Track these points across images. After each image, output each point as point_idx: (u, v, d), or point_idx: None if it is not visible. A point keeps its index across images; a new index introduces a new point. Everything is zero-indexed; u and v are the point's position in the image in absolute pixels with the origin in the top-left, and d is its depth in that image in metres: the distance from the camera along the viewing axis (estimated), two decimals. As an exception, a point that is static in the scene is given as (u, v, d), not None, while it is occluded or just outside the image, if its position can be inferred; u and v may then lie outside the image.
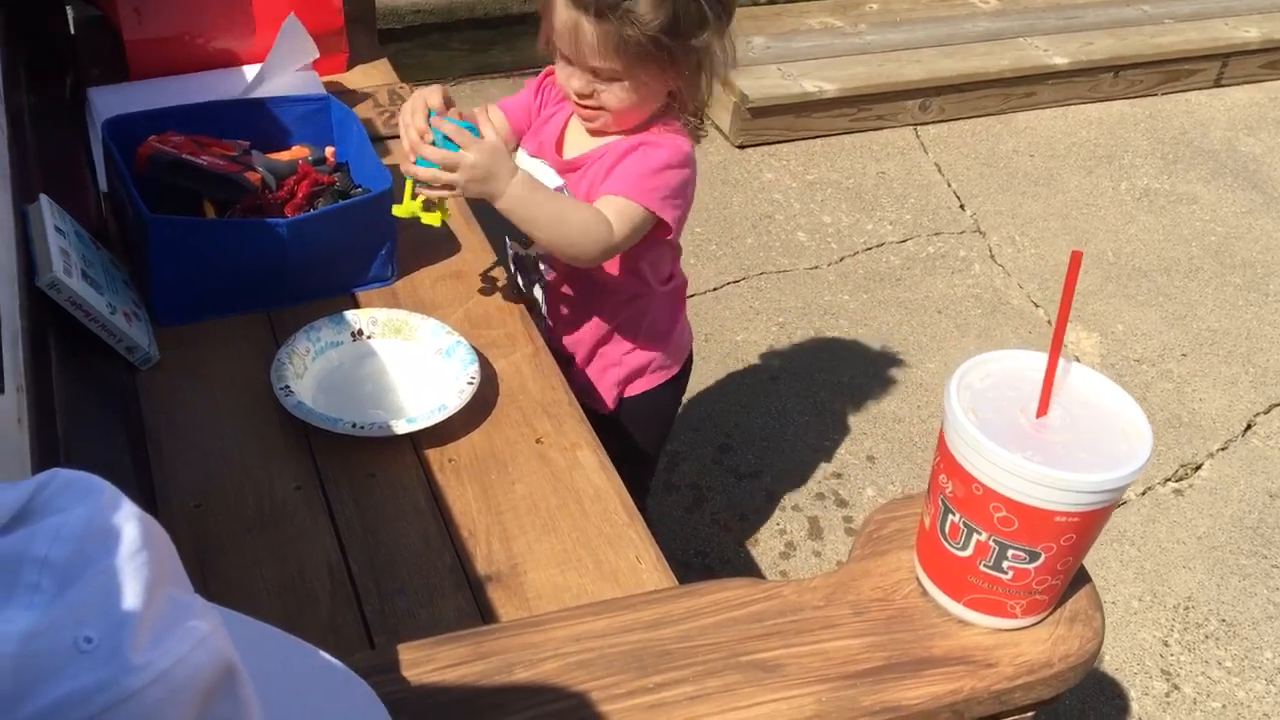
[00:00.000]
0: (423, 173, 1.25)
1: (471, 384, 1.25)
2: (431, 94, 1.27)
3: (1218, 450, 2.46)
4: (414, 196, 1.29)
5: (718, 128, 3.38)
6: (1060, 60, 3.64)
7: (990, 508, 0.78)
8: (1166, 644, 2.04)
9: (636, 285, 1.47)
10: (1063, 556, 0.80)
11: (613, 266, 1.42)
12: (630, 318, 1.49)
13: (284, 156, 1.49)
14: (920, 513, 0.88)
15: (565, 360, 1.48)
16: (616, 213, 1.30)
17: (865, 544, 0.92)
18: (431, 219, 1.30)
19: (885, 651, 0.83)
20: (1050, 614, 0.86)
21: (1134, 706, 1.93)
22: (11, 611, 0.43)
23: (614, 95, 1.31)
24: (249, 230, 1.34)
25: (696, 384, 2.40)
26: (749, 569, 2.11)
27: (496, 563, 1.09)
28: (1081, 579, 0.88)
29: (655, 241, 1.39)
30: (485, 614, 1.04)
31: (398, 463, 1.19)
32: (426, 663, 0.81)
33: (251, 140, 1.49)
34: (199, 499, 1.13)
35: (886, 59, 3.58)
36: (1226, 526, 2.28)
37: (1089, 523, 0.78)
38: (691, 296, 1.52)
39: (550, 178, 1.40)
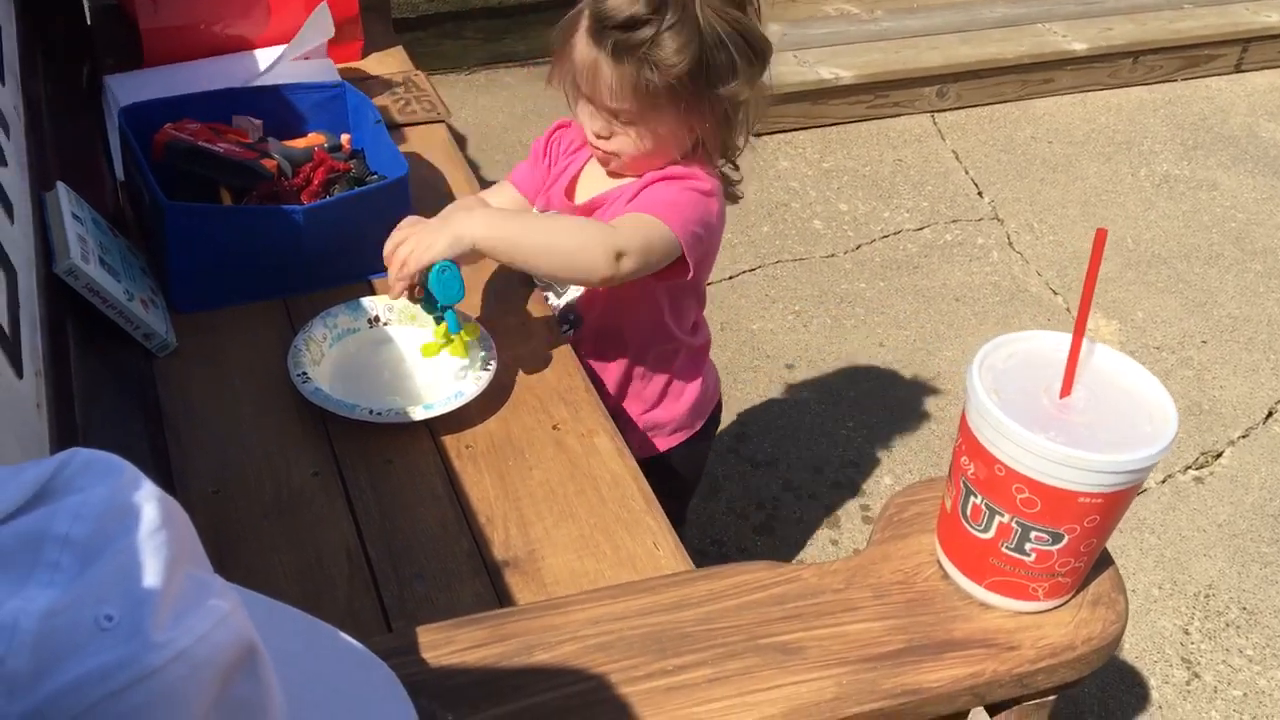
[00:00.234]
0: (390, 275, 1.17)
1: (488, 371, 1.24)
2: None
3: (1238, 438, 2.44)
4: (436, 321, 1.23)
5: (733, 115, 3.37)
6: (1079, 46, 3.62)
7: (1013, 489, 0.77)
8: (1187, 632, 2.03)
9: (663, 336, 1.41)
10: (1086, 538, 0.79)
11: (636, 311, 1.37)
12: (652, 371, 1.43)
13: (300, 143, 1.49)
14: (941, 496, 0.88)
15: None
16: (625, 221, 1.23)
17: (885, 527, 0.92)
18: (457, 350, 1.23)
19: (906, 634, 0.83)
20: (1073, 597, 0.86)
21: (1154, 694, 1.92)
22: (32, 589, 0.43)
23: (631, 140, 1.25)
24: (265, 217, 1.34)
25: (713, 372, 2.39)
26: (765, 557, 2.10)
27: (514, 548, 1.08)
28: (1104, 562, 0.88)
29: (677, 285, 1.32)
30: (503, 599, 1.03)
31: (415, 449, 1.19)
32: (446, 645, 0.81)
33: (267, 125, 1.49)
34: (217, 485, 1.13)
35: (903, 45, 3.56)
36: (1247, 514, 2.26)
37: (1113, 504, 0.77)
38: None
39: None
